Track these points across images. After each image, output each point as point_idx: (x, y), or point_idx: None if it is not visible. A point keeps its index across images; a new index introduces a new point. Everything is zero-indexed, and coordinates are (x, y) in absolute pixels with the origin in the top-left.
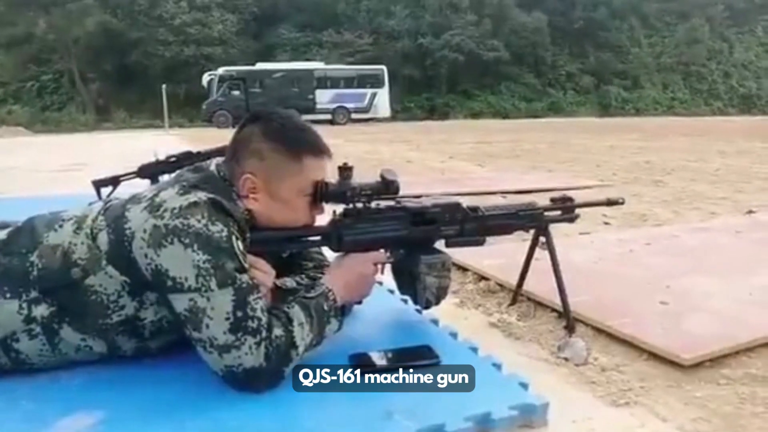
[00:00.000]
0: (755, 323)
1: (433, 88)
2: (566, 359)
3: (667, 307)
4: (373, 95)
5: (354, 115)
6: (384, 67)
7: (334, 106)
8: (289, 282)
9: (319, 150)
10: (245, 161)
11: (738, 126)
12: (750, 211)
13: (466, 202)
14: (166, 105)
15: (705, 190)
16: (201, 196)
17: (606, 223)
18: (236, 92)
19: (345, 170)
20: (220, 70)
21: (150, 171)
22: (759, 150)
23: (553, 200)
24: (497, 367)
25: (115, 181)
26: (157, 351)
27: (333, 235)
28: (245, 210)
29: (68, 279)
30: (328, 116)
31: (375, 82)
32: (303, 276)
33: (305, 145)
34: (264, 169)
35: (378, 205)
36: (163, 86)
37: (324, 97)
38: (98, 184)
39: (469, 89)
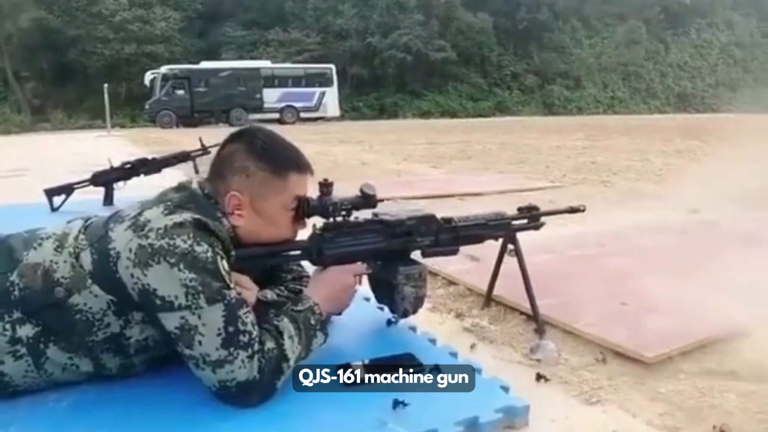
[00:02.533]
0: (709, 320)
1: (382, 87)
2: (539, 361)
3: (627, 307)
4: (322, 94)
5: (303, 115)
6: (332, 66)
7: (282, 105)
8: (269, 294)
9: (302, 166)
10: (230, 178)
11: (675, 124)
12: (694, 211)
13: (439, 213)
14: (108, 105)
15: (650, 190)
16: (186, 216)
17: (561, 225)
18: (180, 91)
19: (325, 186)
20: (164, 69)
21: (104, 178)
22: (696, 149)
23: (520, 209)
24: (478, 371)
25: (68, 190)
26: (141, 368)
27: (314, 249)
28: (230, 227)
29: (52, 298)
30: (276, 115)
31: (323, 81)
32: (282, 288)
33: (290, 162)
34: (250, 186)
35: (357, 218)
36: (105, 86)
37: (272, 97)
38: (50, 193)
39: (418, 89)
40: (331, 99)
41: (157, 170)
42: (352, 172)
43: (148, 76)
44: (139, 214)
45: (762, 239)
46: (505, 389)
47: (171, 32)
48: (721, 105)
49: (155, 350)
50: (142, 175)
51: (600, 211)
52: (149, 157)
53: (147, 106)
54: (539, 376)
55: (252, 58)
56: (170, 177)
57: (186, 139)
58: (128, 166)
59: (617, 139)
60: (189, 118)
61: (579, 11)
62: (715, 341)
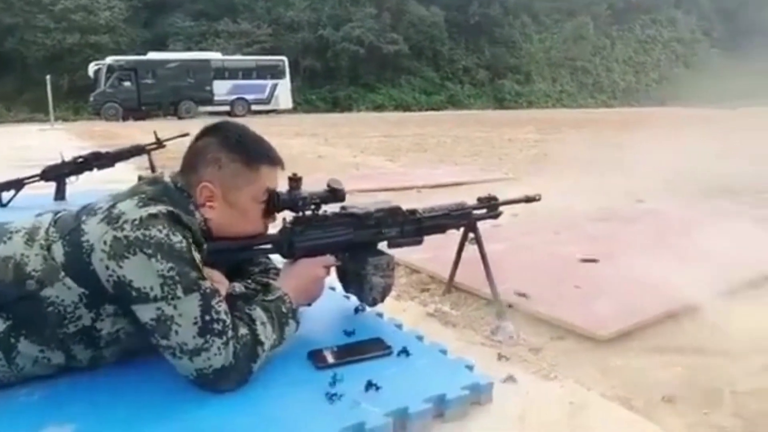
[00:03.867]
0: (655, 301)
1: (335, 80)
2: (500, 342)
3: (580, 290)
4: (274, 87)
5: (254, 107)
6: (285, 58)
7: (233, 97)
8: (237, 287)
9: (274, 160)
10: (203, 170)
11: (620, 118)
12: (640, 200)
13: (405, 205)
14: (51, 97)
15: (599, 182)
16: (160, 208)
17: (514, 215)
18: (127, 83)
19: (294, 180)
20: (109, 60)
21: (55, 173)
22: (640, 140)
23: (479, 200)
24: (444, 352)
25: (17, 185)
26: (112, 359)
27: (285, 243)
28: (202, 221)
29: (23, 291)
30: (227, 108)
31: (275, 73)
32: (250, 281)
33: (262, 155)
34: (222, 178)
35: (326, 212)
36: (47, 77)
37: (222, 89)
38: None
39: (371, 82)
40: (283, 91)
41: (111, 164)
42: (310, 165)
43: (92, 68)
44: (113, 206)
45: (703, 224)
46: (470, 368)
47: (116, 22)
48: (664, 99)
49: (127, 342)
50: (95, 170)
51: (553, 200)
52: (102, 150)
53: (91, 99)
54: (500, 356)
55: (201, 50)
56: (124, 171)
57: (135, 132)
58: (80, 160)
59: (566, 133)
60: (136, 111)
61: (529, 7)
62: (662, 319)
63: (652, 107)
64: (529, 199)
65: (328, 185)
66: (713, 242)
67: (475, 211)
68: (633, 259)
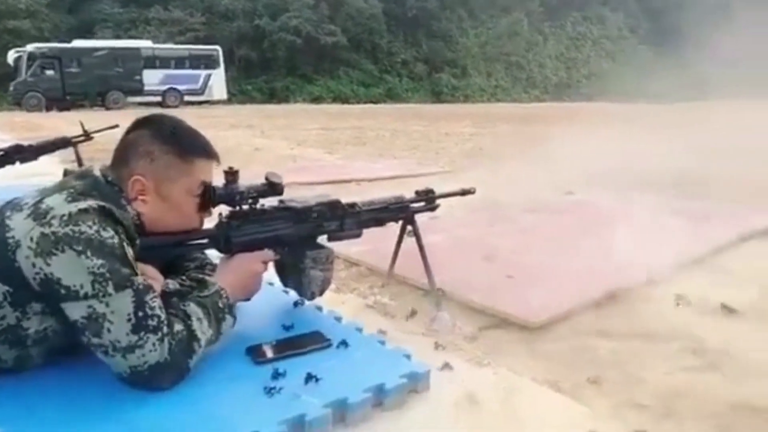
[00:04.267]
0: (582, 289)
1: (271, 70)
2: (436, 331)
3: (513, 279)
4: (208, 77)
5: (187, 98)
6: (219, 48)
7: (165, 87)
8: (171, 284)
9: (210, 153)
10: (135, 164)
11: (552, 113)
12: (569, 192)
13: (344, 198)
14: None
15: (531, 174)
16: (90, 203)
17: (451, 207)
18: (50, 72)
19: (231, 174)
20: (30, 47)
21: None
22: (570, 134)
23: (417, 193)
24: (382, 343)
25: None
26: (39, 360)
27: (221, 237)
28: (134, 215)
29: None
30: (158, 99)
31: (209, 63)
32: (185, 277)
33: (196, 148)
34: (154, 171)
35: (263, 205)
36: None
37: (153, 78)
38: None
39: (309, 73)
40: (217, 82)
41: (34, 157)
42: (246, 158)
43: (11, 55)
44: (40, 201)
45: (627, 215)
46: (408, 357)
47: (37, 7)
48: (593, 94)
49: (55, 341)
50: (17, 163)
51: (488, 193)
52: (24, 143)
53: (11, 88)
54: (437, 345)
55: (130, 38)
56: (48, 165)
57: (59, 123)
58: (0, 153)
59: (501, 127)
60: (60, 101)
61: (465, 2)
62: (590, 306)
63: (582, 102)
64: (464, 192)
65: (266, 178)
66: (637, 232)
67: (413, 204)
68: (562, 248)
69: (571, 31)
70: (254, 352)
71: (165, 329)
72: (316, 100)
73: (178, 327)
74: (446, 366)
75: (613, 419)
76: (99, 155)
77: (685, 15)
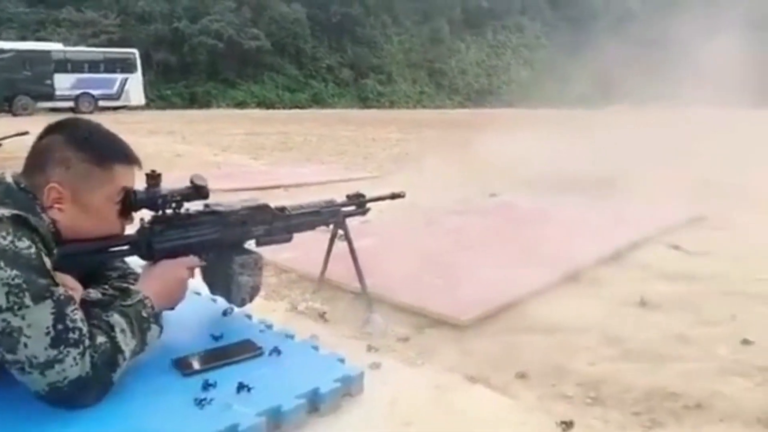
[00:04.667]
0: (511, 287)
1: (192, 75)
2: (369, 334)
3: (443, 279)
4: (124, 81)
5: (101, 103)
6: (136, 51)
7: (78, 92)
8: (93, 294)
9: (130, 158)
10: (50, 170)
11: (475, 118)
12: (493, 194)
13: (273, 202)
14: None
15: (457, 178)
16: (3, 212)
17: (381, 211)
18: None
19: (153, 177)
20: None
21: None
22: (493, 139)
23: (348, 197)
24: (315, 348)
25: None
26: None
27: (143, 244)
28: (51, 223)
29: None
30: (70, 104)
31: (126, 66)
32: (107, 287)
33: (115, 153)
34: (71, 179)
35: (188, 210)
36: None
37: (64, 83)
38: None
39: (232, 78)
40: (134, 86)
41: None
42: (167, 164)
43: None
44: None
45: (549, 215)
46: (341, 361)
47: None
48: (514, 101)
49: None
50: None
51: (416, 197)
52: None
53: None
54: (370, 347)
55: (39, 40)
56: None
57: None
58: None
59: (426, 132)
60: None
61: (389, 8)
62: (516, 303)
63: (503, 108)
64: (394, 196)
65: (191, 181)
66: (558, 231)
67: (344, 208)
68: (489, 248)
69: (492, 39)
70: (182, 364)
71: (87, 342)
72: (240, 105)
73: (100, 339)
74: (379, 368)
75: (540, 411)
76: (8, 163)
77: (599, 24)
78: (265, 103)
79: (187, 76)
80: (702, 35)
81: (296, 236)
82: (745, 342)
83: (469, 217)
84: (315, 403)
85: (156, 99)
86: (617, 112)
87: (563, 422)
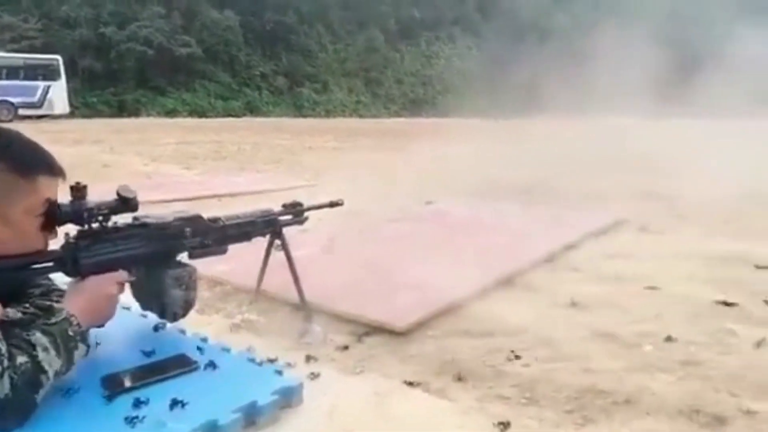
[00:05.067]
0: (448, 292)
1: (120, 82)
2: (308, 344)
3: (381, 286)
4: (47, 88)
5: (22, 111)
6: (59, 57)
7: None
8: (11, 312)
9: (54, 169)
10: None
11: (410, 128)
12: (429, 202)
13: (206, 213)
14: None
15: (393, 186)
16: None
17: (319, 220)
18: None
19: (78, 189)
20: None
21: None
22: (428, 147)
23: (284, 206)
24: (252, 360)
25: None
26: None
27: (68, 259)
28: None
29: None
30: None
31: (48, 73)
32: (28, 305)
33: (39, 164)
34: None
35: (116, 223)
36: None
37: None
38: None
39: (162, 85)
40: (58, 94)
41: None
42: (94, 175)
43: None
44: None
45: (485, 220)
46: (279, 372)
47: None
48: (448, 110)
49: None
50: None
51: (354, 205)
52: None
53: None
54: (309, 358)
55: None
56: None
57: None
58: None
59: (363, 141)
60: None
61: (323, 16)
62: (453, 307)
63: (438, 118)
64: (332, 204)
65: (118, 193)
66: (493, 235)
67: (281, 218)
68: (425, 254)
69: (426, 50)
70: (111, 382)
71: (6, 363)
72: (171, 113)
73: (21, 359)
74: (318, 378)
75: (478, 413)
76: None
77: (528, 37)
78: (197, 112)
79: (114, 83)
80: (620, 50)
81: (232, 247)
82: (669, 339)
83: (406, 225)
84: (252, 417)
85: (81, 107)
86: (545, 122)
87: (500, 423)
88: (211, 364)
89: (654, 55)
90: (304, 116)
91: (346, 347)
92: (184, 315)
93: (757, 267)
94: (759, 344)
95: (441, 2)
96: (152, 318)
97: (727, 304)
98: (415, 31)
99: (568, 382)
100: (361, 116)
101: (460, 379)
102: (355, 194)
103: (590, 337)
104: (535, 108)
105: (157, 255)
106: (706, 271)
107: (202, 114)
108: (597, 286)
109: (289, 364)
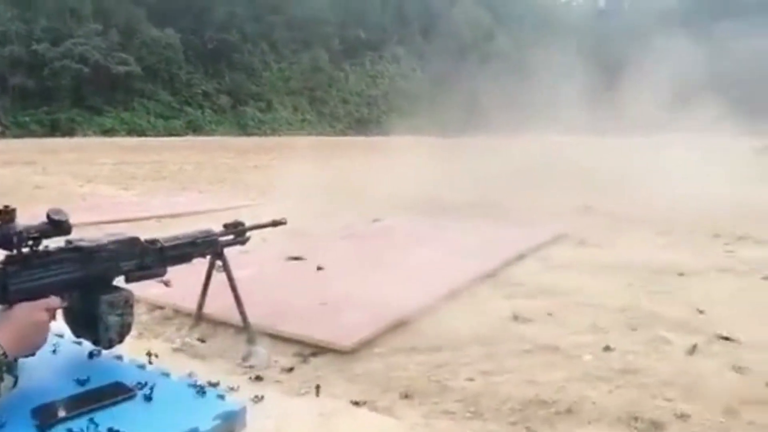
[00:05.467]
0: (394, 309)
1: (54, 101)
2: (251, 367)
3: (327, 306)
4: None
5: None
6: None
7: None
8: None
9: None
10: None
11: (355, 145)
12: (376, 219)
13: (145, 234)
14: None
15: (340, 203)
16: None
17: (264, 240)
18: None
19: (6, 213)
20: None
21: None
22: (374, 166)
23: (226, 226)
24: (193, 386)
25: None
26: None
27: None
28: None
29: None
30: None
31: None
32: None
33: None
34: None
35: (47, 247)
36: None
37: None
38: None
39: (99, 104)
40: None
41: None
42: (25, 198)
43: None
44: None
45: (431, 236)
46: (222, 397)
47: None
48: (393, 129)
49: None
50: None
51: (299, 223)
52: None
53: None
54: (253, 380)
55: None
56: None
57: None
58: None
59: (309, 159)
60: None
61: (267, 35)
62: (399, 324)
63: (383, 136)
64: (276, 223)
65: (48, 216)
66: (438, 251)
67: (222, 238)
68: (372, 272)
69: (370, 69)
70: (42, 413)
71: None
72: (108, 133)
73: None
74: (263, 400)
75: (424, 429)
76: None
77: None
78: (136, 131)
79: (48, 102)
80: (556, 70)
81: (172, 269)
82: (607, 348)
83: (353, 242)
84: None
85: (13, 126)
86: (487, 140)
87: None
88: (150, 391)
89: (587, 74)
90: (249, 135)
91: (291, 369)
92: (120, 341)
93: (680, 274)
94: (691, 351)
95: (385, 23)
96: (87, 345)
97: (659, 313)
98: (360, 51)
99: (512, 394)
100: (306, 134)
101: (406, 396)
102: (302, 212)
103: (532, 349)
104: (476, 126)
105: (90, 279)
106: (640, 282)
107: (141, 133)
108: (538, 299)
109: (231, 388)
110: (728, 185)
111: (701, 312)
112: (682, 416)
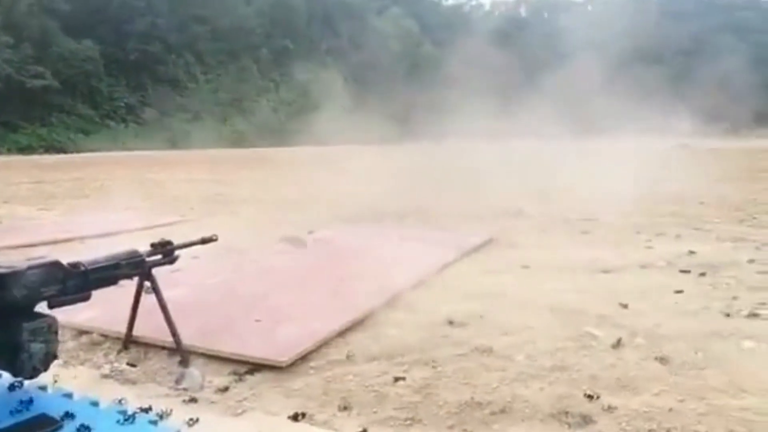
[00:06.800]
0: (329, 321)
1: None
2: (185, 389)
3: (261, 322)
4: None
5: None
6: None
7: None
8: None
9: None
10: None
11: (289, 157)
12: (311, 231)
13: (67, 259)
14: None
15: (273, 216)
16: None
17: (195, 258)
18: None
19: None
20: None
21: None
22: (308, 177)
23: (153, 246)
24: (123, 413)
25: None
26: None
27: None
28: None
29: None
30: None
31: None
32: None
33: None
34: None
35: None
36: None
37: None
38: None
39: (14, 120)
40: None
41: None
42: None
43: None
44: None
45: (367, 245)
46: (154, 423)
47: None
48: (324, 139)
49: None
50: None
51: (233, 238)
52: None
53: None
54: (186, 403)
55: None
56: None
57: None
58: None
59: (241, 172)
60: None
61: (192, 46)
62: (336, 336)
63: (315, 146)
64: (205, 241)
65: None
66: (375, 260)
67: (150, 258)
68: (308, 284)
69: (300, 79)
70: None
71: None
72: (25, 150)
73: None
74: (198, 423)
75: None
76: None
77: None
78: (54, 148)
79: None
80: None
81: (97, 293)
82: (537, 347)
83: (288, 256)
84: None
85: None
86: (415, 147)
87: None
88: (78, 422)
89: (507, 82)
90: (178, 148)
91: (226, 388)
92: (44, 369)
93: (605, 272)
94: (616, 345)
95: (313, 33)
96: (7, 377)
97: (585, 310)
98: (288, 61)
99: (449, 398)
100: (240, 146)
101: (345, 407)
102: (234, 227)
103: (467, 352)
104: (408, 133)
105: (10, 307)
106: (567, 280)
107: (61, 150)
108: (471, 302)
109: (164, 413)
110: (649, 182)
111: (624, 306)
112: (610, 408)
